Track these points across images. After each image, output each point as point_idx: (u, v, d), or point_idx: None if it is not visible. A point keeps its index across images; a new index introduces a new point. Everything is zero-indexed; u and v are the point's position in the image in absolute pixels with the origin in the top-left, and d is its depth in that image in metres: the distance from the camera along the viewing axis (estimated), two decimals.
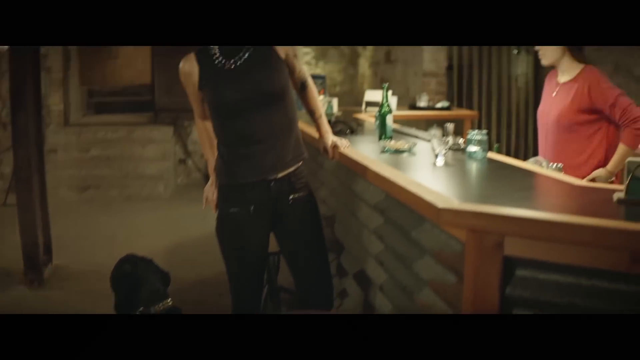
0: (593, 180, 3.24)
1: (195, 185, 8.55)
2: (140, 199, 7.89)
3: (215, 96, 2.79)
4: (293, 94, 2.96)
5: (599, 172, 3.28)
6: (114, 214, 7.19)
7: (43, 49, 7.44)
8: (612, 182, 3.26)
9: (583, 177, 3.22)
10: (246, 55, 2.77)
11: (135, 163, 8.31)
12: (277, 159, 2.81)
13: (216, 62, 2.79)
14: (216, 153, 2.92)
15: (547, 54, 3.38)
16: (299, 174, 2.92)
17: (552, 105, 3.40)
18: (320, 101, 3.16)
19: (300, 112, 3.18)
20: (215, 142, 2.93)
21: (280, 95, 2.80)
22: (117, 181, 8.07)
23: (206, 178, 8.37)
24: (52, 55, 8.29)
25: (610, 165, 3.27)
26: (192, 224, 6.45)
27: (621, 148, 3.23)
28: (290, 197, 2.89)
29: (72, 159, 8.30)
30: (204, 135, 3.02)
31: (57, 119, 8.50)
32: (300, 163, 2.93)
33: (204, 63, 2.80)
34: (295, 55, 2.91)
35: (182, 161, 8.85)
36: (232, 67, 2.77)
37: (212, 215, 2.99)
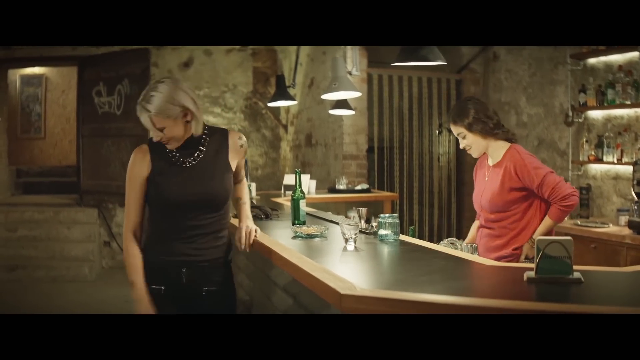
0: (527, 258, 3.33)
1: (119, 267, 8.56)
2: (66, 280, 7.83)
3: (163, 190, 2.73)
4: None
5: (526, 247, 3.33)
6: (40, 296, 7.08)
7: None
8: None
9: (515, 248, 3.33)
10: (201, 155, 2.79)
11: (61, 244, 8.32)
12: (192, 250, 2.78)
13: (172, 158, 2.77)
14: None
15: (473, 147, 3.50)
16: (215, 268, 2.85)
17: (485, 188, 3.47)
18: (248, 191, 3.20)
19: None
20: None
21: (221, 202, 2.81)
22: (43, 262, 8.07)
23: None
24: None
25: (535, 235, 3.31)
26: (117, 307, 6.32)
27: (547, 221, 3.31)
28: (204, 288, 2.82)
29: (0, 238, 8.34)
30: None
31: None
32: (219, 260, 2.88)
33: (158, 156, 2.77)
34: (244, 162, 3.03)
35: (107, 243, 8.85)
36: (187, 165, 2.77)
37: None
